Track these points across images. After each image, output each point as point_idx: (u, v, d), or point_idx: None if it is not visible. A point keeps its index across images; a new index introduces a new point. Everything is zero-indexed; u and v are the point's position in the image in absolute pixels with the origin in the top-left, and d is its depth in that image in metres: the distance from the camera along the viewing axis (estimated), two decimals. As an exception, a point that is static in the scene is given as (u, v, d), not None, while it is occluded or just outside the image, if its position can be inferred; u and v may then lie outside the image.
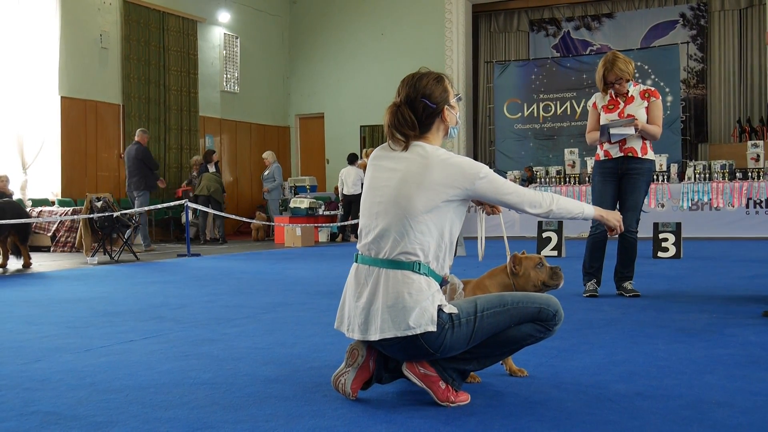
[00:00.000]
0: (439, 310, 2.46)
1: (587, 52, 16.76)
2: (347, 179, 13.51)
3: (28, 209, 10.69)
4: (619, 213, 2.89)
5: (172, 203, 11.58)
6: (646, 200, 7.56)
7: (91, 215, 9.34)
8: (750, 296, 5.19)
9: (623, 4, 16.90)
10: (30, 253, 8.87)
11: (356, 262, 2.62)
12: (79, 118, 12.94)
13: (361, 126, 17.49)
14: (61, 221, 11.24)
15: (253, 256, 10.30)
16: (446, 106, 2.62)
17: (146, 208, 10.87)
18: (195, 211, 12.43)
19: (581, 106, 15.49)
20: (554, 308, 2.57)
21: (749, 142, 12.71)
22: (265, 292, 6.06)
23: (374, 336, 2.47)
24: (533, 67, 16.38)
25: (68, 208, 11.58)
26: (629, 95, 5.22)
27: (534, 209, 2.62)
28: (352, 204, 13.16)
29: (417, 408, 2.49)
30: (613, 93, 5.27)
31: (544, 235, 9.11)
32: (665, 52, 15.19)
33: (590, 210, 2.78)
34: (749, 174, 12.10)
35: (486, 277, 2.91)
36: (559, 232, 9.03)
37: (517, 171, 14.61)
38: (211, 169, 13.56)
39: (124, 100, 13.69)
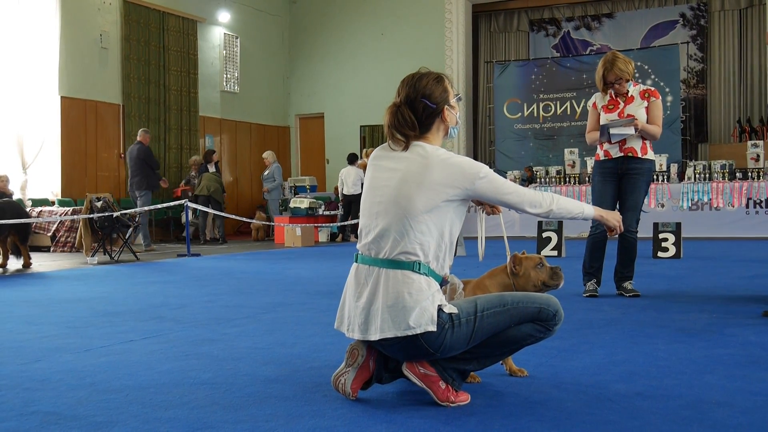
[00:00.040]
0: (439, 310, 2.46)
1: (587, 52, 16.76)
2: (347, 179, 13.51)
3: (28, 209, 10.69)
4: (618, 213, 2.89)
5: (172, 203, 11.59)
6: (646, 200, 7.56)
7: (91, 215, 9.34)
8: (750, 296, 5.19)
9: (623, 4, 16.90)
10: (30, 253, 8.87)
11: (356, 262, 2.62)
12: (79, 118, 12.94)
13: (361, 126, 17.50)
14: (61, 221, 11.24)
15: (253, 256, 10.30)
16: (446, 106, 2.62)
17: (148, 208, 10.88)
18: (195, 210, 12.43)
19: (581, 106, 15.49)
20: (554, 308, 2.57)
21: (749, 142, 12.72)
22: (265, 292, 6.06)
23: (374, 336, 2.47)
24: (533, 67, 16.38)
25: (68, 208, 11.58)
26: (629, 95, 5.22)
27: (534, 209, 2.63)
28: (352, 204, 13.16)
29: (417, 408, 2.49)
30: (612, 93, 5.27)
31: (544, 235, 9.11)
32: (665, 52, 15.19)
33: (590, 210, 2.78)
34: (749, 174, 12.10)
35: (486, 277, 2.91)
36: (559, 232, 9.03)
37: (517, 171, 14.61)
38: (211, 169, 13.56)
39: (124, 100, 13.69)
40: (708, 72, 16.12)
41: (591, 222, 5.21)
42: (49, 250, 11.46)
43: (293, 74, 18.24)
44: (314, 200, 13.95)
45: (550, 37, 17.56)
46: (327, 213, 14.25)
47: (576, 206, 2.73)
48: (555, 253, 8.90)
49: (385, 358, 2.64)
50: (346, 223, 13.18)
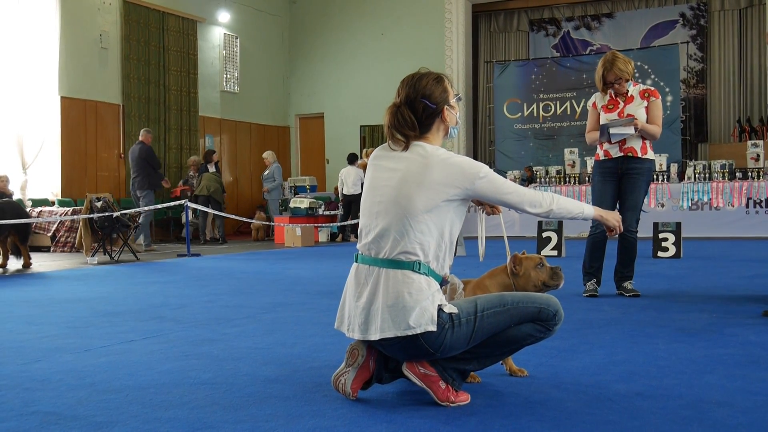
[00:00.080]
0: (439, 309, 2.46)
1: (587, 52, 16.76)
2: (347, 179, 13.51)
3: (28, 209, 10.69)
4: (618, 213, 2.90)
5: (172, 203, 11.59)
6: (646, 200, 7.55)
7: (91, 215, 9.34)
8: (750, 296, 5.19)
9: (623, 4, 16.90)
10: (30, 253, 8.87)
11: (356, 261, 2.62)
12: (79, 118, 12.94)
13: (361, 126, 17.50)
14: (61, 221, 11.24)
15: (253, 256, 10.30)
16: (446, 106, 2.62)
17: (150, 208, 10.88)
18: (195, 210, 12.43)
19: (581, 106, 15.49)
20: (554, 308, 2.57)
21: (749, 142, 12.72)
22: (265, 292, 6.06)
23: (374, 336, 2.47)
24: (533, 67, 16.38)
25: (68, 208, 11.58)
26: (629, 95, 5.22)
27: (534, 209, 2.63)
28: (352, 204, 13.17)
29: (417, 408, 2.49)
30: (612, 93, 5.27)
31: (544, 235, 9.11)
32: (665, 51, 15.19)
33: (590, 210, 2.79)
34: (749, 174, 12.10)
35: (486, 277, 2.91)
36: (559, 232, 9.03)
37: (517, 171, 14.61)
38: (211, 169, 13.56)
39: (124, 100, 13.69)
40: (708, 72, 16.12)
41: (591, 222, 5.21)
42: (49, 250, 11.46)
43: (293, 74, 18.24)
44: (314, 200, 13.95)
45: (550, 37, 17.56)
46: (327, 213, 14.26)
47: (576, 206, 2.73)
48: (555, 253, 8.90)
49: (385, 358, 2.64)
50: (346, 223, 13.18)
